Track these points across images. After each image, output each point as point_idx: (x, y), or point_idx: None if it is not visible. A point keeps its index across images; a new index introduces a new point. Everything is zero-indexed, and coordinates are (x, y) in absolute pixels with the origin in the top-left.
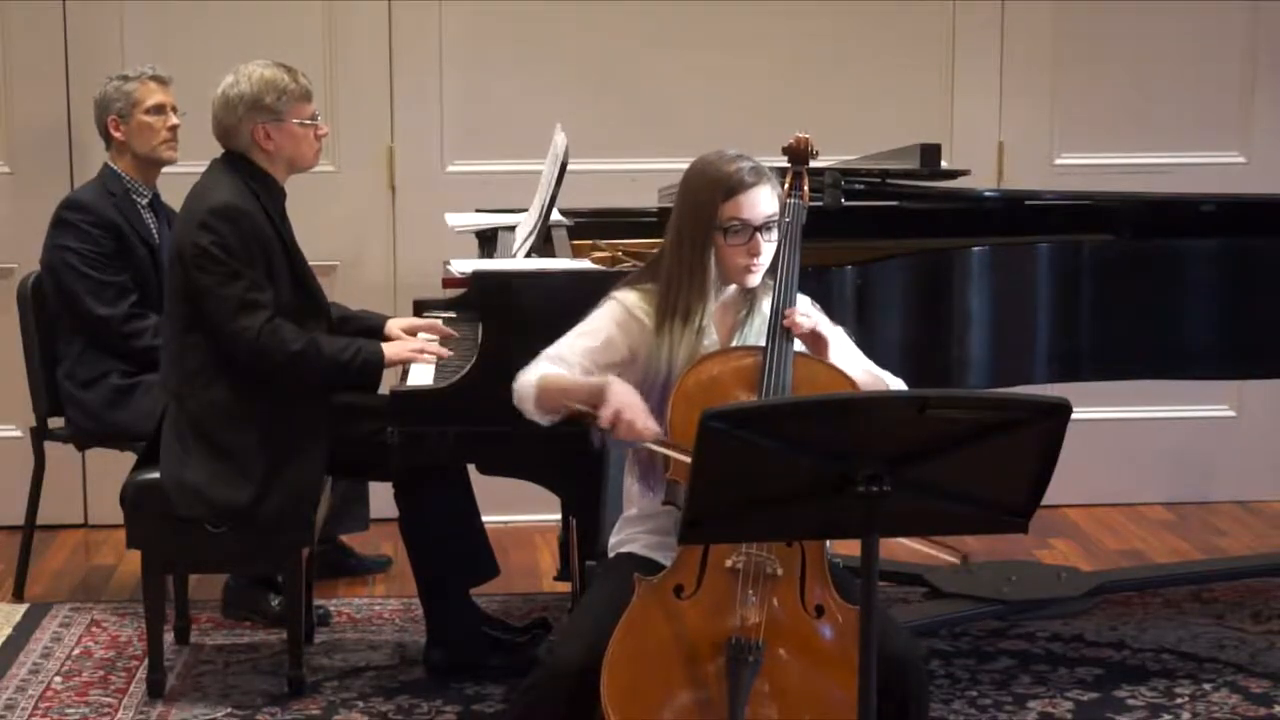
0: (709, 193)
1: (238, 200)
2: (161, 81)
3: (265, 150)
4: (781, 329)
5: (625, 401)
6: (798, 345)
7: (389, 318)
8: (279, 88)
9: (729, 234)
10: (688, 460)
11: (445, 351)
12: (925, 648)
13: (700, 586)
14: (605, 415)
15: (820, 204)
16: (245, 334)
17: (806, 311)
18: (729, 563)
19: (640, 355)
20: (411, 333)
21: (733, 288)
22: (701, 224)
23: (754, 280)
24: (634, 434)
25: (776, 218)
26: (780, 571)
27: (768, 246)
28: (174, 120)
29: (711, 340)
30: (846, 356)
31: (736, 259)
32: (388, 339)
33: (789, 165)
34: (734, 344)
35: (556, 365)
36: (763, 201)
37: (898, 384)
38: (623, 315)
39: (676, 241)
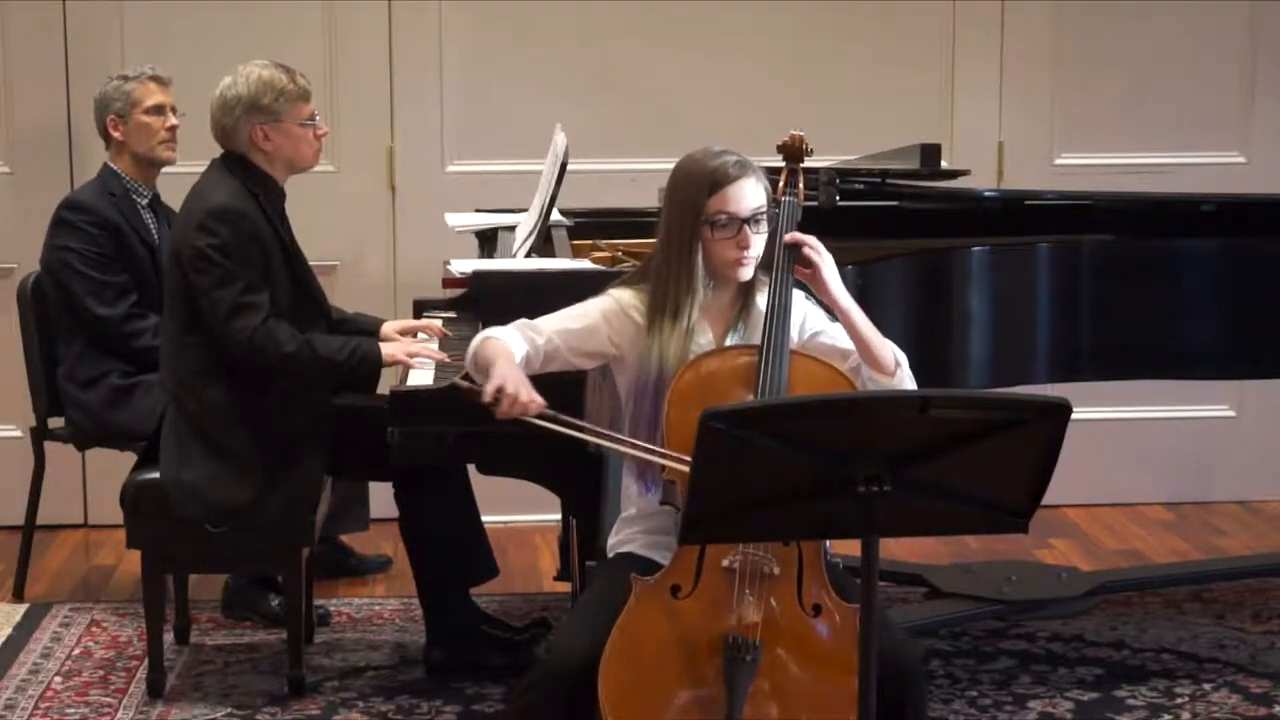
0: (694, 188)
1: (236, 202)
2: (161, 82)
3: (264, 151)
4: (778, 327)
5: (507, 376)
6: (794, 335)
7: (384, 321)
8: (276, 88)
9: (716, 228)
10: (582, 437)
11: (443, 356)
12: (924, 648)
13: (697, 586)
14: (488, 390)
15: (815, 202)
16: (239, 335)
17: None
18: (726, 562)
19: (631, 355)
20: (407, 334)
21: (726, 285)
22: (688, 220)
23: (746, 274)
24: (518, 407)
25: (764, 210)
26: (777, 571)
27: (757, 239)
28: (173, 121)
29: (705, 339)
30: (844, 294)
31: (726, 253)
32: (384, 341)
33: (784, 163)
34: (729, 342)
35: (517, 334)
36: (749, 194)
37: (903, 357)
38: (614, 310)
39: (665, 240)
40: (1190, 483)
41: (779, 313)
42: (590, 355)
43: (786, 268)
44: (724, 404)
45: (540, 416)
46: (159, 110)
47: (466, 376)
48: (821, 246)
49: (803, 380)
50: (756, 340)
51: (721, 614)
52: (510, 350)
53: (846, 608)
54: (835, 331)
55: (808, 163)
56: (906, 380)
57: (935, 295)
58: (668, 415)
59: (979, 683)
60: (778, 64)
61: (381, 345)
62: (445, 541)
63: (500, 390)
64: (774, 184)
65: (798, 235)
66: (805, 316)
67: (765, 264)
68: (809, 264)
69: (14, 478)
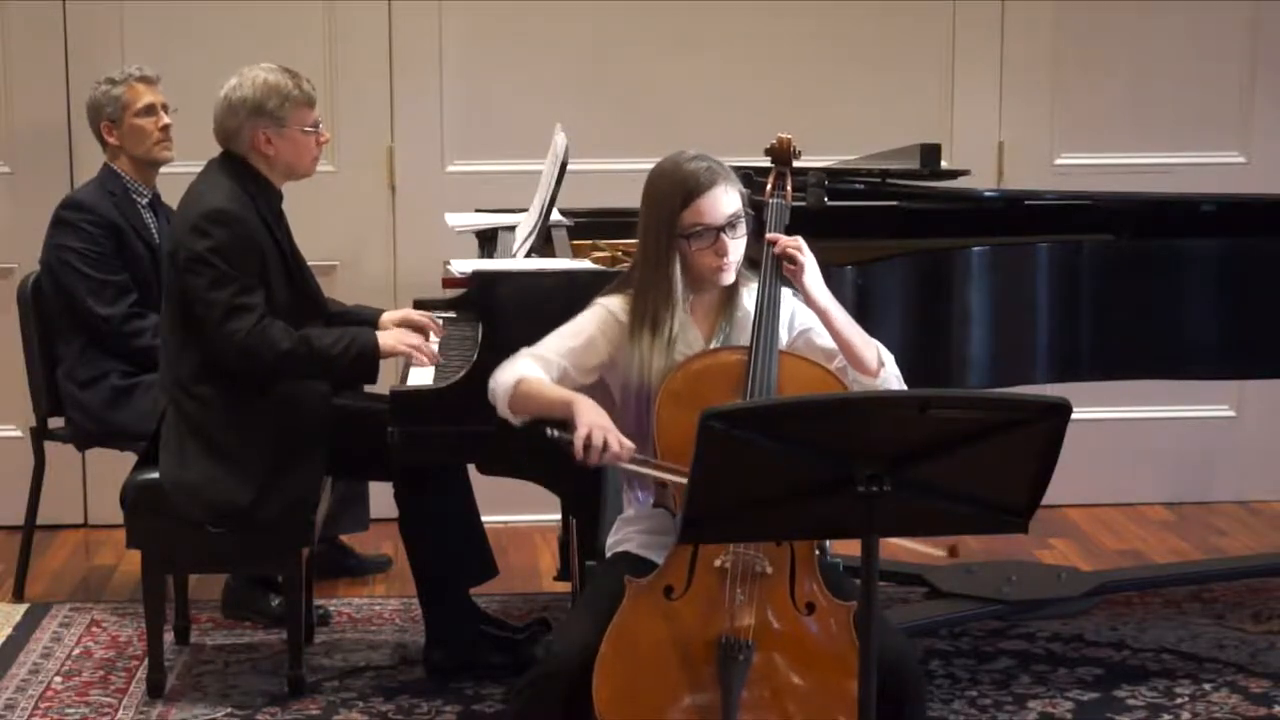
0: (667, 201)
1: (231, 204)
2: (149, 81)
3: (265, 155)
4: (767, 327)
5: (596, 422)
6: (783, 343)
7: (383, 311)
8: (282, 93)
9: (693, 239)
10: (670, 478)
11: (437, 357)
12: (920, 649)
13: (690, 587)
14: (579, 438)
15: (803, 204)
16: (234, 337)
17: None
18: (718, 562)
19: (619, 360)
20: (405, 325)
21: (710, 287)
22: (663, 234)
23: (728, 279)
24: (611, 455)
25: (740, 214)
26: (769, 570)
27: (735, 244)
28: (165, 120)
29: (692, 341)
30: (825, 294)
31: (706, 261)
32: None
33: (772, 166)
34: (716, 342)
35: (536, 365)
36: (721, 202)
37: (888, 357)
38: (605, 318)
39: (643, 251)
40: (1190, 483)
41: (767, 312)
42: (594, 370)
43: (774, 267)
44: (724, 404)
45: (631, 461)
46: (150, 111)
47: (557, 426)
48: (805, 246)
49: (791, 380)
50: (743, 339)
51: (715, 614)
52: (579, 396)
53: (840, 605)
54: (824, 329)
55: (799, 163)
56: (892, 380)
57: (935, 295)
58: (658, 416)
59: (979, 683)
60: (778, 64)
61: (379, 335)
62: (445, 541)
63: (589, 436)
64: (761, 186)
65: (779, 238)
66: (794, 313)
67: (753, 262)
68: (793, 261)
69: (14, 478)
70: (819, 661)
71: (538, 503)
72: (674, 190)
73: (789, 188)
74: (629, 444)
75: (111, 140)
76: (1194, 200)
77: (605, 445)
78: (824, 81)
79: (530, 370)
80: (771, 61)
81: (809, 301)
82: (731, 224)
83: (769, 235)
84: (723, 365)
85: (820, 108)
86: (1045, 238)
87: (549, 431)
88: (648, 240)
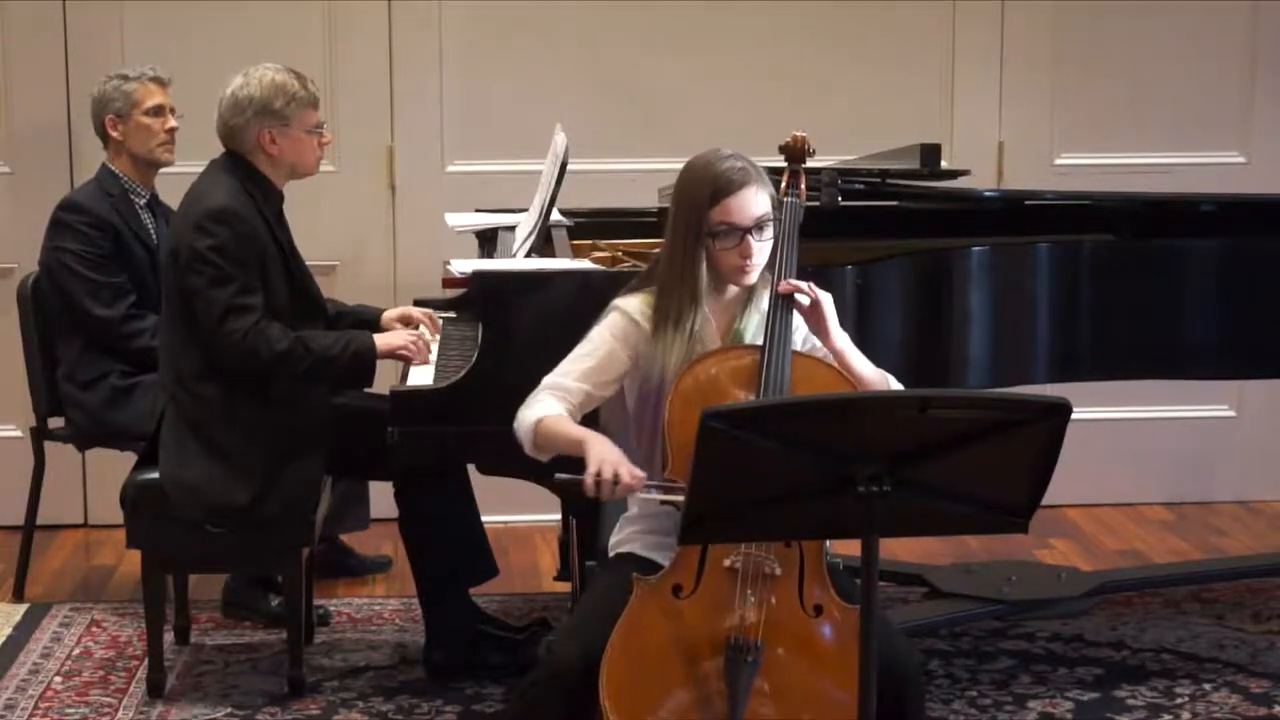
0: (697, 198)
1: (234, 204)
2: (161, 83)
3: (269, 155)
4: (780, 327)
5: (606, 458)
6: (796, 344)
7: (384, 310)
8: (288, 93)
9: (719, 238)
10: (680, 499)
11: (433, 347)
12: (919, 653)
13: (699, 586)
14: (589, 475)
15: (817, 203)
16: (233, 336)
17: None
18: (728, 562)
19: (640, 361)
20: (405, 321)
21: (732, 287)
22: (691, 229)
23: (750, 279)
24: (623, 487)
25: (768, 217)
26: (779, 571)
27: (761, 246)
28: (172, 123)
29: (709, 337)
30: (841, 336)
31: (730, 261)
32: (383, 331)
33: (786, 164)
34: (730, 339)
35: (556, 400)
36: (751, 203)
37: (896, 384)
38: (623, 324)
39: (670, 246)
40: (1190, 483)
41: (781, 312)
42: (615, 381)
43: (788, 267)
44: (724, 404)
45: (644, 489)
46: (159, 111)
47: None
48: (816, 289)
49: (804, 380)
50: (758, 339)
51: (723, 614)
52: (591, 435)
53: (848, 609)
54: (829, 306)
55: (810, 163)
56: None
57: (935, 295)
58: (669, 415)
59: (979, 683)
60: (778, 64)
61: (376, 336)
62: (445, 541)
63: (599, 477)
64: (776, 185)
65: (793, 284)
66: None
67: (768, 264)
68: (813, 304)
69: (14, 478)
70: (826, 664)
71: (538, 503)
72: (704, 187)
73: (803, 186)
74: (639, 473)
75: (114, 134)
76: (1194, 200)
77: (616, 479)
78: (824, 81)
79: (549, 409)
80: (771, 61)
81: (825, 343)
82: (759, 226)
83: (781, 286)
84: (734, 366)
85: (820, 108)
86: (1045, 238)
87: (557, 476)
88: (675, 236)
